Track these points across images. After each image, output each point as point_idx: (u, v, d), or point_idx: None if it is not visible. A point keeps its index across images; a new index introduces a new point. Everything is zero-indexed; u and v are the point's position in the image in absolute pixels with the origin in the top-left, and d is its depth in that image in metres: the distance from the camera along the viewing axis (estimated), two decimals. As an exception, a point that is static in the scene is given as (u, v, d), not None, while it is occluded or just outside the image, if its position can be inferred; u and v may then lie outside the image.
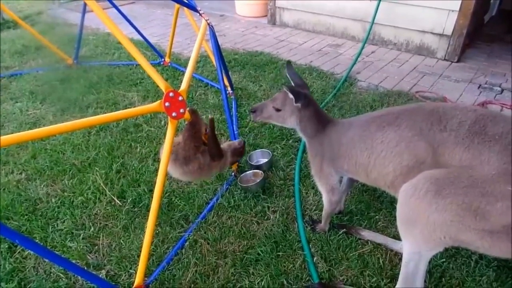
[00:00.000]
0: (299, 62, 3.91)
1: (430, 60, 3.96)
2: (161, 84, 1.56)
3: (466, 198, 1.18)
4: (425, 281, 1.49)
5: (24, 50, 4.51)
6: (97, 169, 2.37)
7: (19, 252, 1.85)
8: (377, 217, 1.99)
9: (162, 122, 2.85)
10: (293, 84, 1.83)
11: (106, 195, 2.17)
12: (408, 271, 1.41)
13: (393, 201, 2.06)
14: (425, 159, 1.34)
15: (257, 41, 4.63)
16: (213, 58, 3.17)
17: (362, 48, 3.66)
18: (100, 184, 2.24)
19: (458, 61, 3.87)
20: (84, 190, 2.21)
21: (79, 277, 1.70)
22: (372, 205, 2.06)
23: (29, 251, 1.85)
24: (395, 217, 1.97)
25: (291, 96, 1.71)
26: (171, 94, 1.56)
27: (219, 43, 2.78)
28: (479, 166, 1.21)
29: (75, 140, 2.67)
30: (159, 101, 1.53)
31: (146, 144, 2.61)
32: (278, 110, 1.80)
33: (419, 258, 1.38)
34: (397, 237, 1.85)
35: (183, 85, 1.69)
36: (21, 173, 2.39)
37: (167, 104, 1.55)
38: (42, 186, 2.26)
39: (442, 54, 3.95)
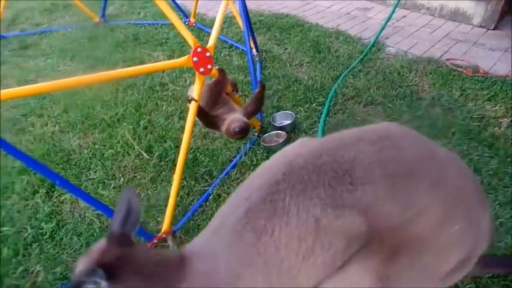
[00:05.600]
0: (326, 25, 3.81)
1: (465, 26, 3.77)
2: (190, 39, 1.59)
3: (420, 276, 0.93)
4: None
5: (52, 7, 4.56)
6: (125, 124, 2.46)
7: (56, 197, 1.99)
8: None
9: (188, 82, 2.89)
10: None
11: (134, 149, 2.27)
12: None
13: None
14: (351, 238, 0.88)
15: (283, 2, 4.51)
16: (239, 19, 3.14)
17: (393, 12, 3.51)
18: (128, 138, 2.34)
19: (494, 29, 3.67)
20: (113, 143, 2.31)
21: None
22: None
23: (65, 196, 1.98)
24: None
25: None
26: (199, 49, 1.59)
27: (246, 3, 2.74)
28: (417, 219, 0.88)
29: (104, 96, 2.75)
30: (187, 56, 1.57)
31: (172, 102, 2.67)
32: None
33: None
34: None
35: (211, 41, 1.71)
36: (54, 126, 2.52)
37: (195, 59, 1.58)
38: (74, 138, 2.38)
39: (478, 20, 3.75)
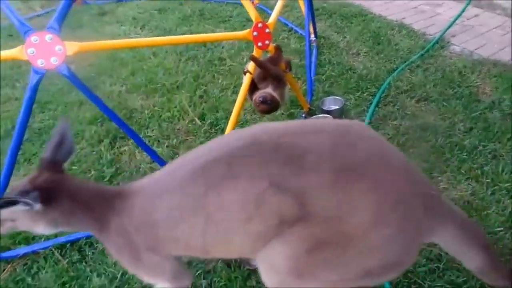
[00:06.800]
0: (390, 17, 3.73)
1: (544, 31, 3.51)
2: (253, 14, 1.70)
3: (340, 269, 0.96)
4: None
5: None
6: (183, 92, 2.66)
7: (117, 147, 2.24)
8: (440, 178, 1.99)
9: (245, 59, 3.01)
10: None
11: (188, 114, 2.45)
12: None
13: (460, 167, 2.03)
14: (284, 218, 0.93)
15: (350, -9, 4.45)
16: (301, 3, 3.18)
17: (464, 9, 3.35)
18: (184, 104, 2.53)
19: None
20: (171, 107, 2.52)
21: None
22: (438, 166, 2.05)
23: (125, 148, 2.22)
24: (458, 181, 1.97)
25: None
26: (259, 25, 1.69)
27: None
28: (350, 215, 0.91)
29: (167, 64, 2.97)
30: (248, 30, 1.68)
31: (228, 76, 2.81)
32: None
33: None
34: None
35: (271, 19, 1.81)
36: (122, 86, 2.78)
37: (255, 33, 1.69)
38: (138, 99, 2.63)
39: (560, 26, 3.45)
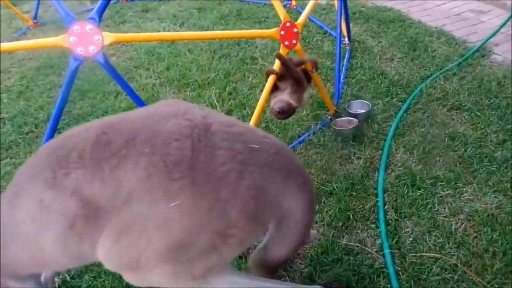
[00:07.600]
0: (429, 24, 3.63)
1: None
2: (281, 13, 1.74)
3: (153, 250, 0.93)
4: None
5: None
6: (214, 88, 2.74)
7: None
8: (464, 189, 1.93)
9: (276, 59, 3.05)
10: None
11: (216, 109, 2.53)
12: None
13: (488, 179, 1.96)
14: (73, 218, 0.93)
15: (390, -4, 4.38)
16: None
17: (509, 18, 3.19)
18: (213, 100, 2.61)
19: None
20: (200, 102, 2.61)
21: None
22: (464, 177, 1.99)
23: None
24: (484, 193, 1.90)
25: None
26: (287, 24, 1.73)
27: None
28: (129, 197, 0.91)
29: (201, 61, 3.08)
30: (276, 28, 1.72)
31: (258, 75, 2.87)
32: None
33: None
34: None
35: (301, 19, 1.84)
36: (156, 79, 2.92)
37: (282, 32, 1.73)
38: (170, 92, 2.75)
39: None
